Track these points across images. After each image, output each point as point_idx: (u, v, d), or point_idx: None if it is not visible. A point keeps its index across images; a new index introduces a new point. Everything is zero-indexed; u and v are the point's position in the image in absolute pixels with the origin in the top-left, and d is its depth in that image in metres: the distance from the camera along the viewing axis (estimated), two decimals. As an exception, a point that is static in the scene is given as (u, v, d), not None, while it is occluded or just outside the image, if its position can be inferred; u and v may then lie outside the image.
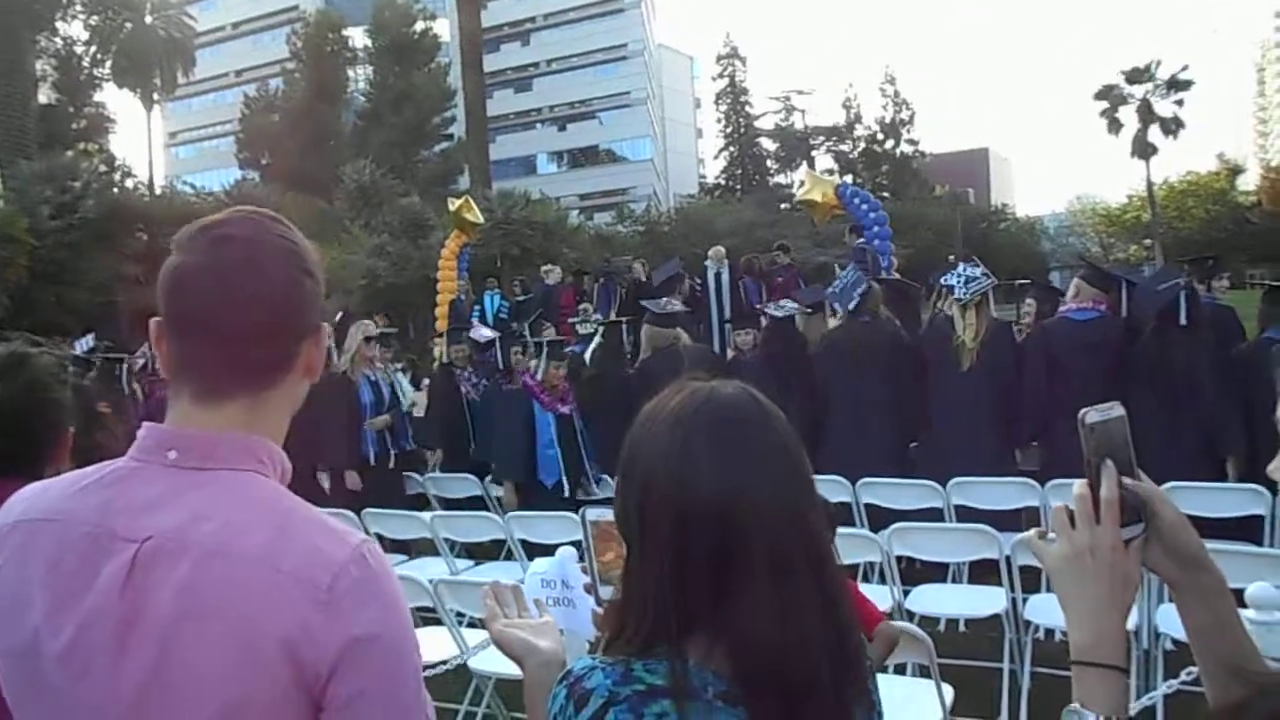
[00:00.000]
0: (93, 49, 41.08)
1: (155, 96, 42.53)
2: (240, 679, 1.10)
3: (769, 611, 1.10)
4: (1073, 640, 1.05)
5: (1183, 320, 5.48)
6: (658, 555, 1.15)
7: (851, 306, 6.67)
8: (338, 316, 8.61)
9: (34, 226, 21.03)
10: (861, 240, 12.62)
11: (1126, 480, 1.05)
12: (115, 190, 27.09)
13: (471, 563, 5.94)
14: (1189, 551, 1.05)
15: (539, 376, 6.92)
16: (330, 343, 7.15)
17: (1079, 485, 1.05)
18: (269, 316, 1.20)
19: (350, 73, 47.76)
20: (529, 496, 6.76)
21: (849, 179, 35.09)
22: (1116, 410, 1.08)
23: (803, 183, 15.04)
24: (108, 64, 40.84)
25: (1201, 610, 1.07)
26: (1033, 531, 1.09)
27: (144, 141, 42.61)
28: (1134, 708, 3.92)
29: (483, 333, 8.98)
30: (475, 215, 16.13)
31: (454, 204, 16.56)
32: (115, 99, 42.12)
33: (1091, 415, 1.06)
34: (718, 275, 12.62)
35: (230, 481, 1.18)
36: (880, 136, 51.94)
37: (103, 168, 28.62)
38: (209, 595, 1.10)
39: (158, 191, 34.14)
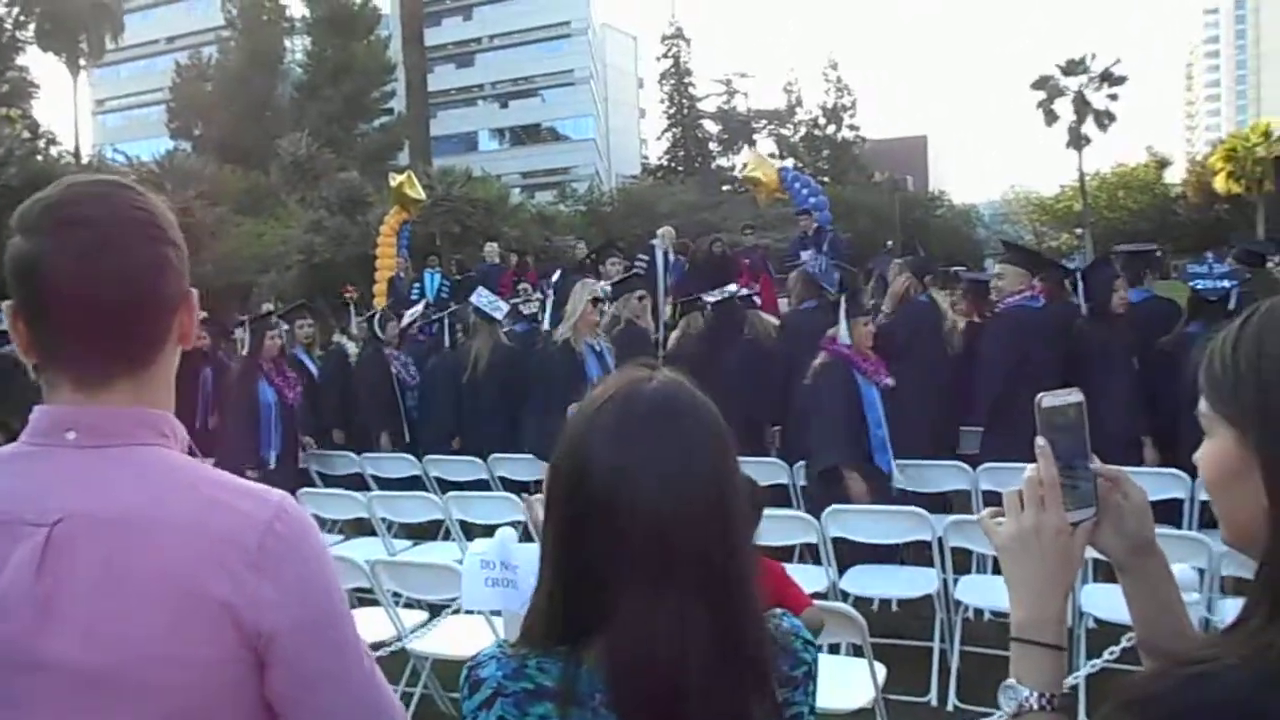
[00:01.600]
0: (15, 10, 39.54)
1: (81, 62, 41.17)
2: (177, 645, 1.09)
3: (640, 617, 1.07)
4: (1014, 618, 1.07)
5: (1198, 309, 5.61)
6: (552, 550, 1.16)
7: (834, 290, 6.74)
8: (554, 276, 8.49)
9: (-48, 194, 20.23)
10: (820, 227, 12.64)
11: (1094, 466, 1.09)
12: (39, 158, 26.17)
13: (409, 543, 5.90)
14: (1143, 536, 1.08)
15: (847, 340, 5.45)
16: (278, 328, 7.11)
17: (1030, 469, 1.07)
18: (138, 299, 1.16)
19: (287, 43, 46.65)
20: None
21: (790, 163, 35.29)
22: (1074, 396, 1.10)
23: (746, 164, 15.08)
24: (31, 27, 39.37)
25: (1147, 593, 1.11)
26: (986, 511, 1.12)
27: (69, 108, 41.08)
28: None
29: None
30: (417, 191, 15.94)
31: (395, 179, 16.35)
32: (39, 63, 40.76)
33: (1046, 399, 1.09)
34: (665, 254, 12.65)
35: (137, 456, 1.17)
36: (822, 122, 52.32)
37: (25, 134, 27.56)
38: (138, 569, 1.09)
39: (84, 160, 33.10)
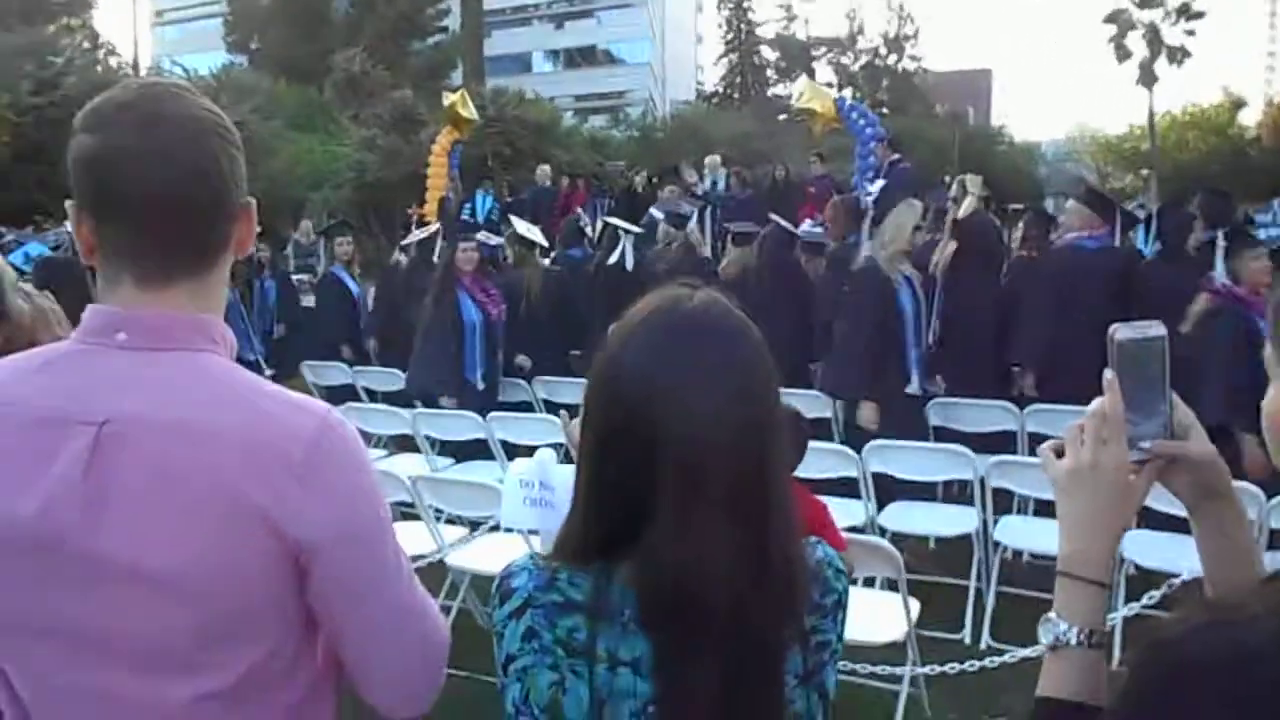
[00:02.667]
0: (76, -80, 39.48)
1: (141, -28, 41.06)
2: (225, 549, 1.12)
3: (670, 533, 1.07)
4: (1061, 551, 1.06)
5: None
6: (586, 465, 1.17)
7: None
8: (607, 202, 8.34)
9: (14, 103, 20.46)
10: (898, 158, 12.30)
11: (1177, 406, 1.04)
12: (99, 69, 26.30)
13: (451, 461, 5.98)
14: (1212, 486, 1.04)
15: (1225, 280, 4.98)
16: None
17: (1096, 402, 1.03)
18: (211, 198, 1.18)
19: (344, -44, 46.15)
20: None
21: (849, 92, 34.46)
22: (1155, 329, 1.05)
23: (802, 93, 14.73)
24: (92, -63, 39.36)
25: (1216, 539, 1.07)
26: (1048, 443, 1.09)
27: (129, 20, 41.08)
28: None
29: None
30: (470, 111, 15.80)
31: (448, 98, 16.19)
32: (99, -27, 40.58)
33: (1121, 331, 1.04)
34: (714, 183, 12.53)
35: (188, 361, 1.18)
36: (883, 51, 50.89)
37: (85, 44, 27.76)
38: (182, 474, 1.11)
39: (143, 72, 33.26)
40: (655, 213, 9.45)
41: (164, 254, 1.18)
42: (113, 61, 30.86)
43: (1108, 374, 1.02)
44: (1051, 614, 1.05)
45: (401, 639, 1.28)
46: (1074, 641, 1.01)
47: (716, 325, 1.15)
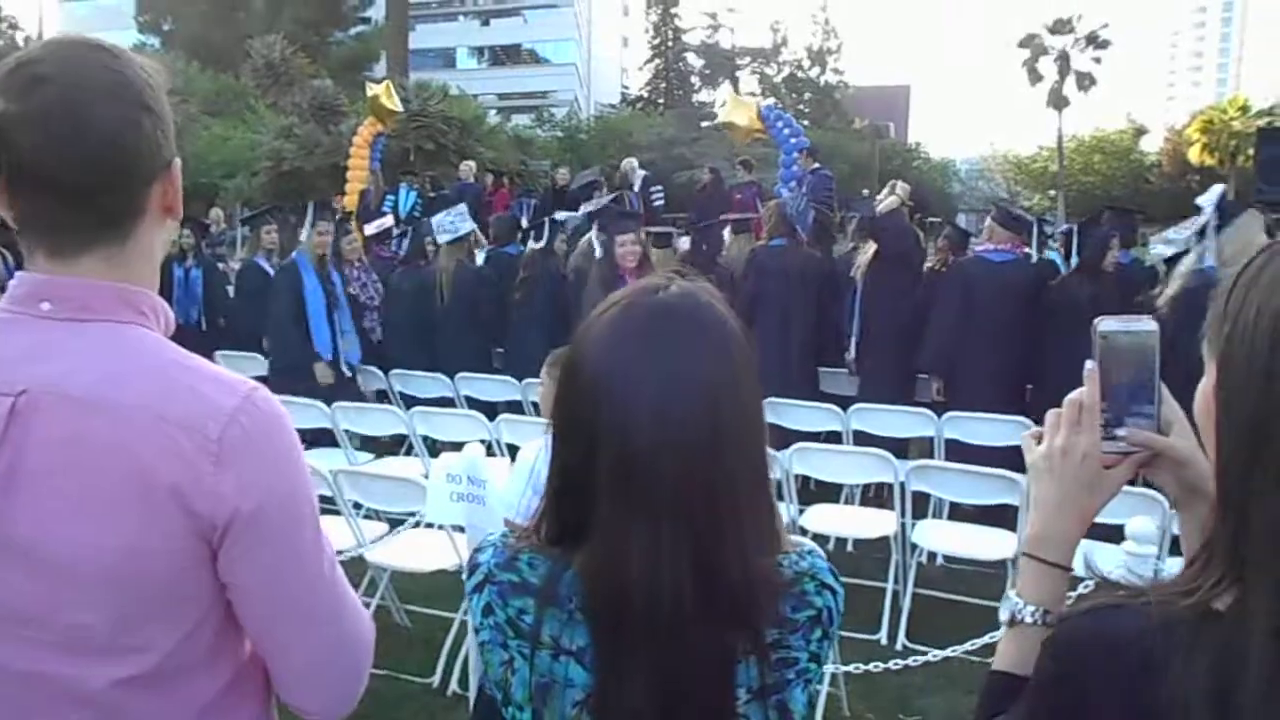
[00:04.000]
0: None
1: (48, -56, 39.58)
2: (134, 529, 1.07)
3: (614, 532, 1.07)
4: (1027, 533, 1.08)
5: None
6: (553, 448, 1.16)
7: (805, 230, 6.74)
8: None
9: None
10: (819, 167, 12.50)
11: (1166, 400, 1.05)
12: (1, 43, 25.26)
13: (371, 456, 5.88)
14: (1193, 484, 1.07)
15: None
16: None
17: (1076, 392, 1.05)
18: (105, 165, 1.10)
19: (264, -60, 45.10)
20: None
21: (772, 102, 34.95)
22: (1143, 325, 1.05)
23: (724, 103, 14.87)
24: (-4, -95, 37.74)
25: (1196, 535, 1.11)
26: (1030, 430, 1.10)
27: (34, -7, 39.52)
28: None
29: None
30: (394, 103, 15.59)
31: (372, 89, 15.95)
32: (4, -56, 38.89)
33: (1105, 323, 1.04)
34: (631, 186, 12.61)
35: (110, 332, 1.13)
36: (806, 64, 51.72)
37: (-13, 17, 26.64)
38: (94, 446, 1.07)
39: (48, 48, 31.94)
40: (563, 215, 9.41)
41: (68, 224, 1.12)
42: (17, 37, 29.66)
43: (1088, 364, 1.04)
44: (1011, 591, 1.07)
45: (319, 632, 1.22)
46: (1028, 619, 1.03)
47: (682, 316, 1.11)
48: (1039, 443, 1.08)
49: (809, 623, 1.13)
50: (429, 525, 4.48)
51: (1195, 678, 0.78)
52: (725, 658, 1.08)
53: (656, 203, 12.61)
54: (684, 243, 8.16)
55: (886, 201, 6.55)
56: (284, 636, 1.21)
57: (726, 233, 8.19)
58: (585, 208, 9.25)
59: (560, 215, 8.41)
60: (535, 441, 3.00)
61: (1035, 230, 6.26)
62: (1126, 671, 0.82)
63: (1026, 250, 6.15)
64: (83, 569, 1.07)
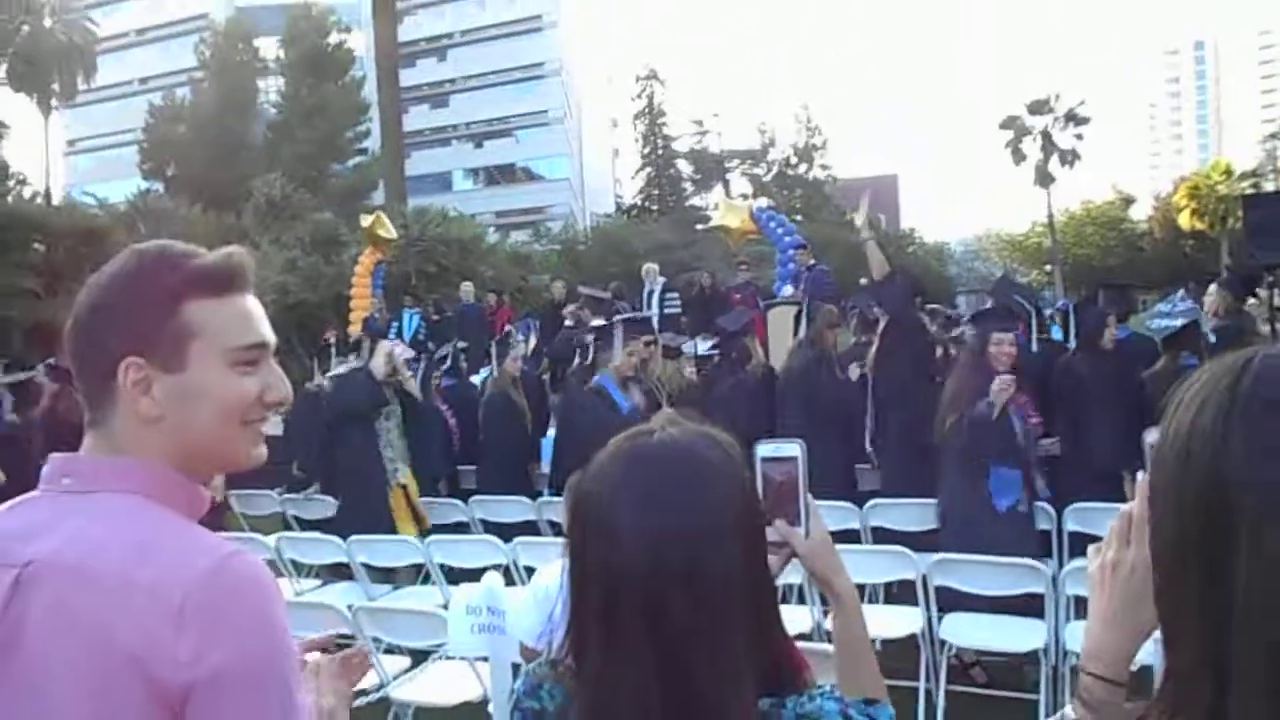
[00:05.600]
0: (-13, 51, 39.40)
1: (53, 102, 40.95)
2: (98, 695, 1.08)
3: (595, 667, 1.11)
4: (1083, 647, 1.09)
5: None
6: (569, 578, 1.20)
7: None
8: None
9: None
10: (816, 263, 12.64)
11: None
12: (9, 199, 25.99)
13: (389, 588, 5.83)
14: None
15: None
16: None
17: (1127, 505, 1.06)
18: (77, 355, 1.25)
19: (261, 84, 46.64)
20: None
21: (763, 201, 35.61)
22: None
23: (716, 206, 15.19)
24: (2, 67, 39.18)
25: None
26: (1094, 546, 1.11)
27: (40, 149, 40.72)
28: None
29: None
30: (388, 230, 15.94)
31: (366, 220, 16.33)
32: (10, 104, 40.26)
33: (1154, 434, 1.07)
34: (650, 293, 12.76)
35: (107, 503, 1.18)
36: (794, 161, 52.89)
37: (-3, 175, 27.46)
38: (71, 613, 1.10)
39: (56, 202, 32.85)
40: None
41: (85, 406, 1.25)
42: (25, 191, 30.47)
43: (1140, 476, 1.05)
44: (1068, 708, 1.08)
45: None
46: None
47: (664, 455, 1.15)
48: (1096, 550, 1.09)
49: None
50: (450, 657, 4.43)
51: None
52: None
53: (670, 310, 12.74)
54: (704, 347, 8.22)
55: (870, 253, 6.51)
56: None
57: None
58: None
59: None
60: (554, 564, 2.99)
61: (1035, 316, 6.32)
62: None
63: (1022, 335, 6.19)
64: None
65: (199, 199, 33.40)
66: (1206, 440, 0.80)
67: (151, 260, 1.25)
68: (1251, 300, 7.52)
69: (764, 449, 1.29)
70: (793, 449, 1.30)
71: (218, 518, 6.28)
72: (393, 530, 6.33)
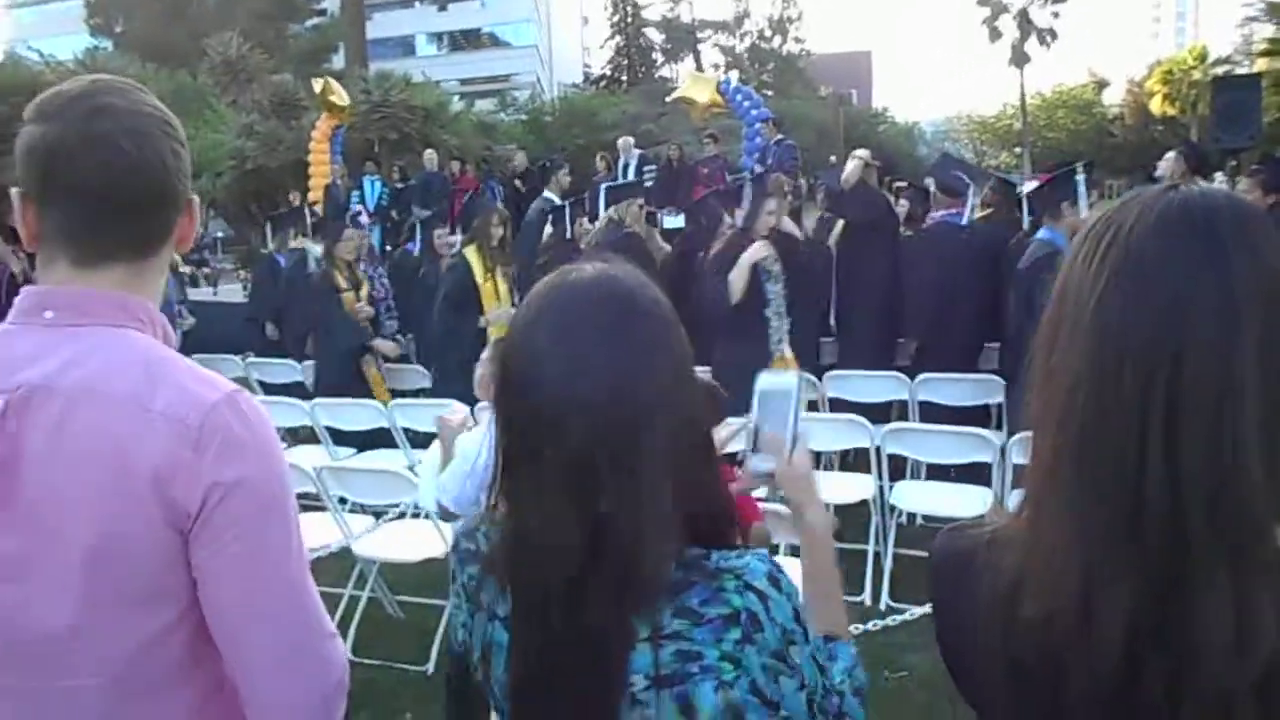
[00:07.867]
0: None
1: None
2: (112, 515, 1.13)
3: (517, 503, 1.13)
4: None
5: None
6: (497, 433, 1.20)
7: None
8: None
9: None
10: (783, 137, 12.47)
11: None
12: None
13: (353, 450, 5.89)
14: None
15: None
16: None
17: None
18: (152, 189, 1.22)
19: (213, -65, 44.36)
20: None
21: (735, 75, 34.86)
22: None
23: (685, 81, 14.87)
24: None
25: None
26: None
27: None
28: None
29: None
30: (340, 97, 15.46)
31: (318, 85, 15.81)
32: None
33: None
34: (626, 165, 12.59)
35: (105, 335, 1.20)
36: (768, 34, 51.62)
37: (-66, 27, 26.11)
38: (80, 434, 1.13)
39: (-1, 57, 31.40)
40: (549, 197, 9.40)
41: (103, 239, 1.21)
42: (-34, 46, 29.06)
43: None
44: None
45: (284, 636, 1.21)
46: None
47: (593, 297, 1.12)
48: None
49: (722, 620, 1.08)
50: (414, 515, 4.53)
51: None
52: (619, 634, 1.08)
53: (648, 182, 12.60)
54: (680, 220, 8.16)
55: (849, 169, 6.57)
56: (246, 634, 1.20)
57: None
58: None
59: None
60: (477, 429, 3.06)
61: (1023, 201, 6.27)
62: (945, 580, 1.04)
63: (961, 211, 6.21)
64: (69, 551, 1.12)
65: (150, 57, 32.06)
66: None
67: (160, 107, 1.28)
68: (1207, 182, 7.51)
69: (763, 380, 1.32)
70: (790, 380, 1.33)
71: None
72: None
